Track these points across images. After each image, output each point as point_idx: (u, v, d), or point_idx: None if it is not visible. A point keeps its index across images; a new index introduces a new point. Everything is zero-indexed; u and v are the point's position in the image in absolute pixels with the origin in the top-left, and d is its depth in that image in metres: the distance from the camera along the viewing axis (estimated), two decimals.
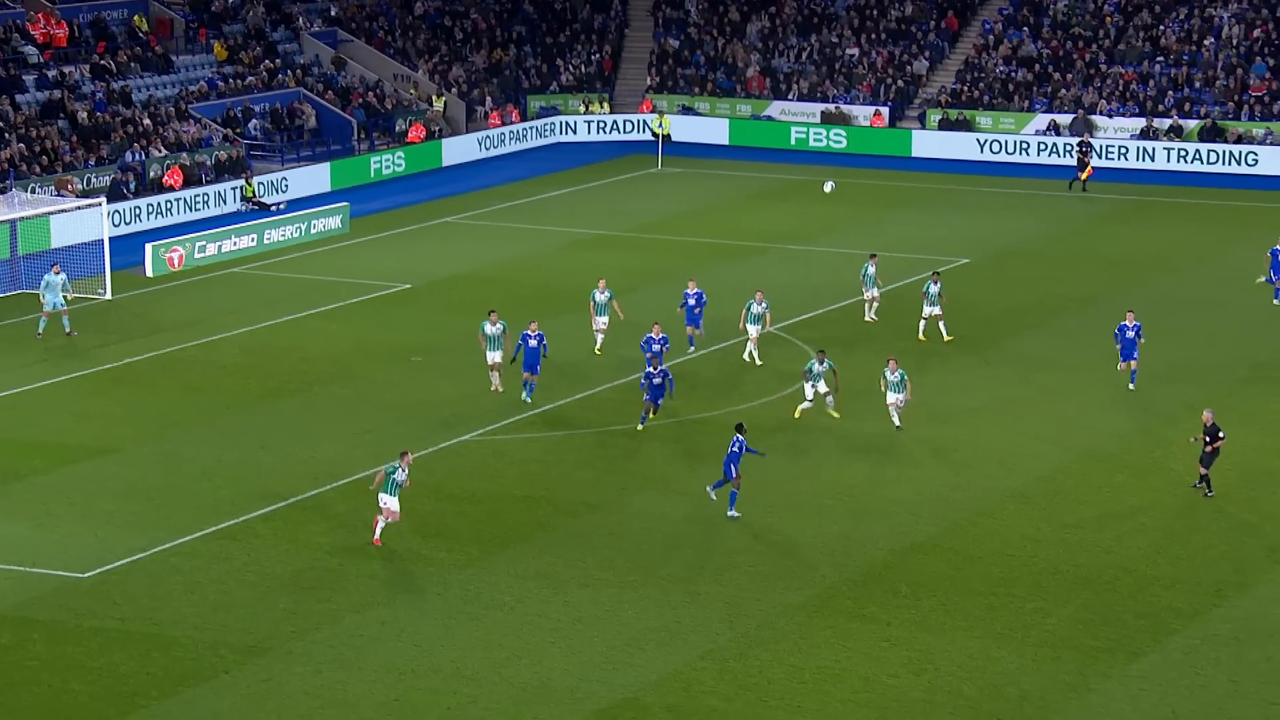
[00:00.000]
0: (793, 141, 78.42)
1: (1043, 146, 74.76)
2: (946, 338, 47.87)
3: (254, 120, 73.00)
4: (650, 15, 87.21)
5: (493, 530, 36.05)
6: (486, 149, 77.82)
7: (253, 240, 61.05)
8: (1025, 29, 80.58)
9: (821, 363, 41.15)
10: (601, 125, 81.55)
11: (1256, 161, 71.94)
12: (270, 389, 45.53)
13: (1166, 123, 74.50)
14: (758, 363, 46.13)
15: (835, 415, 41.48)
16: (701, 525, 36.13)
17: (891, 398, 40.99)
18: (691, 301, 46.92)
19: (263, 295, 55.06)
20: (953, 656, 30.31)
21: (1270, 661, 30.01)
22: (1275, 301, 51.84)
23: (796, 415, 41.44)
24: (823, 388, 41.21)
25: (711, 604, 32.53)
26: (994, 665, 30.00)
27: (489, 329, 43.52)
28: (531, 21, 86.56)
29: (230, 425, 42.64)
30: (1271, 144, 72.46)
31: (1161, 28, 78.59)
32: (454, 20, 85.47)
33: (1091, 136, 72.76)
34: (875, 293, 49.98)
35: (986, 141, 75.71)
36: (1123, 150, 73.61)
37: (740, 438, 36.25)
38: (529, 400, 43.23)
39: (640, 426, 41.42)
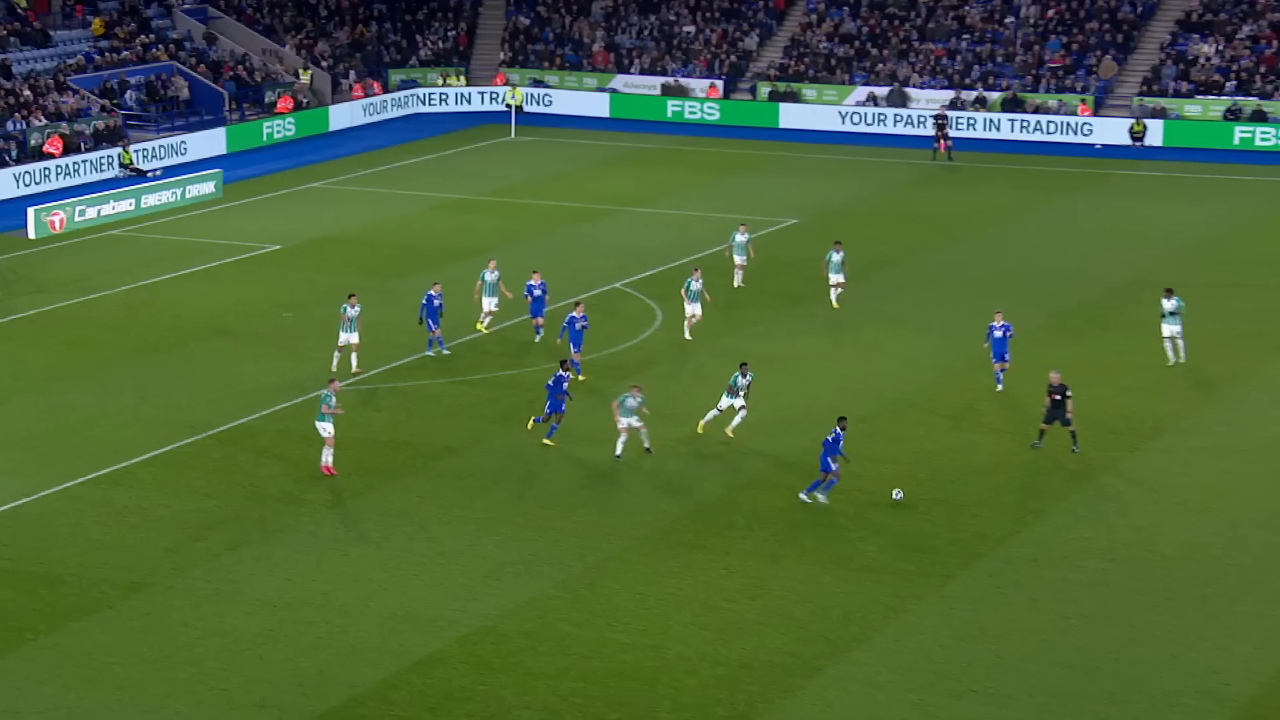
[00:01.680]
0: (669, 114, 77.81)
1: (881, 117, 75.29)
2: (835, 305, 46.79)
3: (130, 91, 71.74)
4: None
5: (361, 473, 35.81)
6: (370, 114, 77.42)
7: (131, 204, 59.96)
8: (845, 8, 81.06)
9: (745, 375, 37.12)
10: (458, 97, 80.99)
11: (1054, 129, 72.99)
12: (149, 344, 44.83)
13: (972, 94, 75.35)
14: (687, 337, 43.93)
15: (731, 435, 37.26)
16: (553, 466, 36.12)
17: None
18: (538, 292, 43.64)
19: (141, 256, 54.17)
20: (784, 582, 30.59)
21: (1064, 580, 30.60)
22: None
23: (700, 429, 37.44)
24: (739, 402, 37.02)
25: (563, 538, 32.57)
26: (821, 589, 30.31)
27: (350, 311, 40.97)
28: (391, 0, 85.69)
29: (111, 378, 41.95)
30: (1065, 114, 73.56)
31: (967, 8, 79.41)
32: None
33: (945, 110, 72.87)
34: (742, 260, 48.63)
35: (847, 113, 75.84)
36: (881, 118, 74.37)
37: (839, 431, 33.94)
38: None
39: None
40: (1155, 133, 71.30)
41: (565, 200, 62.32)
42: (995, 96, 74.91)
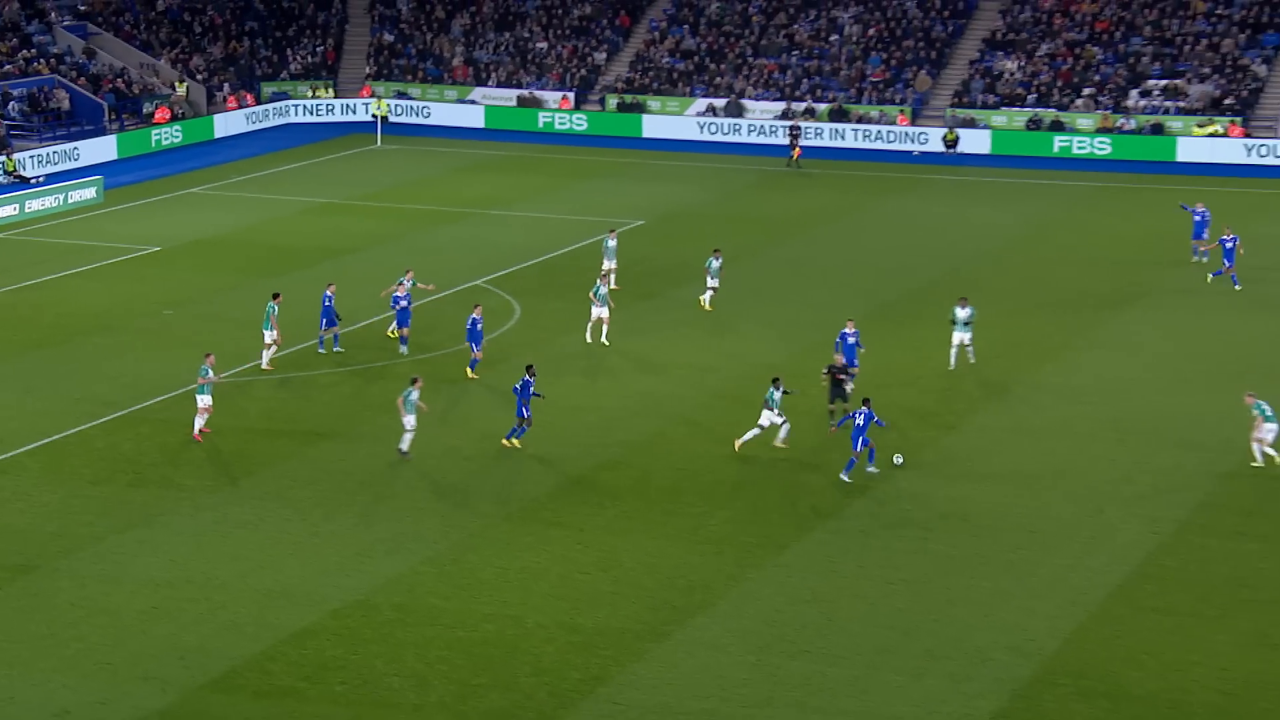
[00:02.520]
0: (540, 124, 77.34)
1: (714, 127, 75.64)
2: (708, 308, 46.31)
3: (12, 103, 70.09)
4: (367, 13, 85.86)
5: (239, 459, 35.35)
6: (254, 122, 76.70)
7: (14, 209, 58.59)
8: (685, 26, 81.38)
9: (778, 390, 35.51)
10: (327, 108, 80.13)
11: (878, 137, 73.85)
12: (34, 340, 43.86)
13: (802, 105, 76.03)
14: (605, 343, 42.74)
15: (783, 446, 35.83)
16: (419, 449, 35.89)
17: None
18: (404, 303, 41.95)
19: (25, 258, 52.94)
20: (635, 555, 30.68)
21: (888, 549, 30.99)
22: (1236, 288, 47.92)
23: (737, 448, 35.58)
24: (778, 417, 35.47)
25: (430, 517, 32.40)
26: (669, 561, 30.44)
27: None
28: (262, 17, 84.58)
29: None
30: (885, 123, 74.47)
31: (796, 26, 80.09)
32: (193, 15, 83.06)
33: (798, 120, 73.31)
34: (613, 264, 47.64)
35: (756, 127, 76.08)
36: (736, 127, 74.87)
37: (867, 410, 33.76)
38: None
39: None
40: (972, 140, 72.23)
41: (429, 204, 61.93)
42: (823, 108, 75.65)
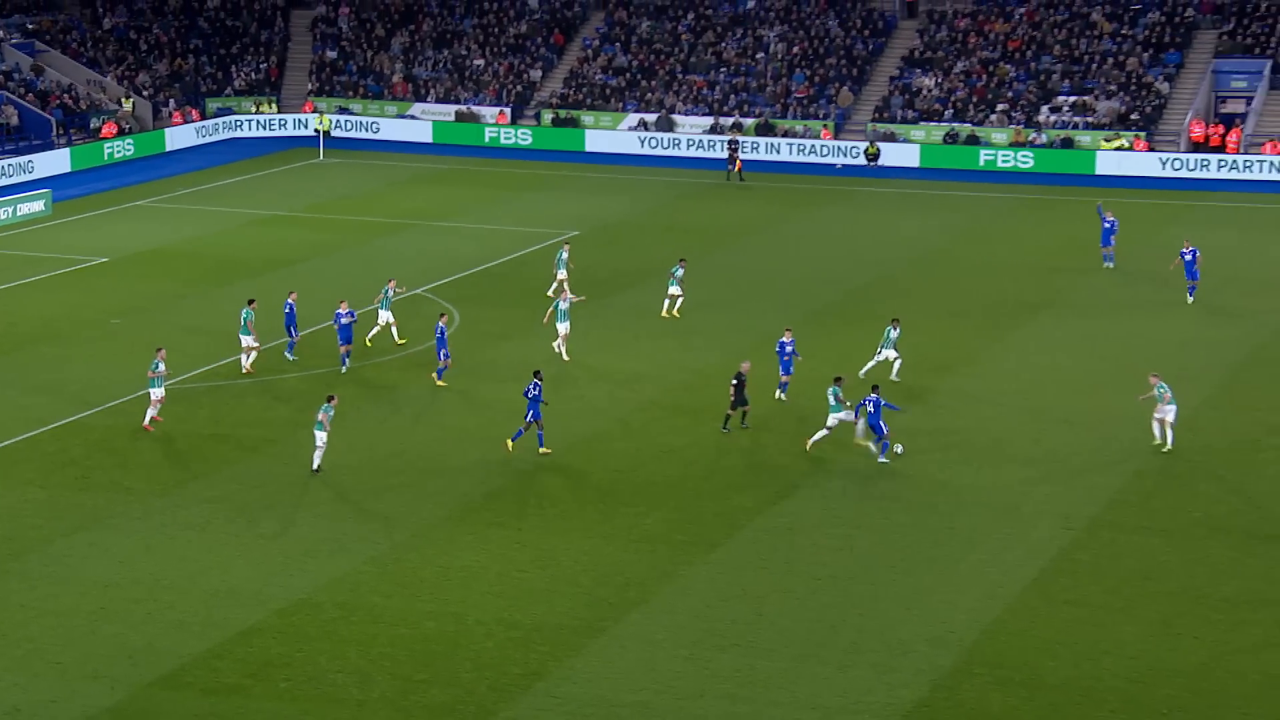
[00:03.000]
0: (486, 139, 76.65)
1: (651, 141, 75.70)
2: (675, 314, 46.02)
3: None
4: (309, 31, 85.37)
5: (186, 463, 35.01)
6: (204, 136, 76.36)
7: None
8: (618, 44, 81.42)
9: (839, 386, 35.51)
10: (271, 123, 79.57)
11: (804, 150, 74.12)
12: None
13: (730, 121, 76.21)
14: (565, 359, 41.88)
15: (863, 444, 35.67)
16: (363, 454, 35.69)
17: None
18: (345, 320, 40.69)
19: None
20: (571, 554, 30.61)
21: (815, 546, 31.07)
22: (1189, 299, 47.42)
23: (808, 448, 35.58)
24: (846, 415, 35.38)
25: (373, 518, 32.20)
26: (604, 559, 30.40)
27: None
28: (207, 35, 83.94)
29: None
30: (809, 138, 74.76)
31: (723, 45, 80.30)
32: (139, 33, 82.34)
33: (738, 135, 73.37)
34: (564, 274, 47.36)
35: (694, 141, 76.06)
36: (676, 142, 74.98)
37: (875, 397, 34.37)
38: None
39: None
40: (900, 153, 72.52)
41: (371, 215, 61.60)
42: (750, 122, 75.86)
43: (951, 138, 73.28)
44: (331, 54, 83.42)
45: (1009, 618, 27.97)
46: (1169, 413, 35.57)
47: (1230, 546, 30.95)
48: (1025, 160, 70.79)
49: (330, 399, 34.50)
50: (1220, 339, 44.53)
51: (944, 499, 33.43)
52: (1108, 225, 52.44)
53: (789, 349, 38.67)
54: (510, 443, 35.51)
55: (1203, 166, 68.78)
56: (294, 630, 27.34)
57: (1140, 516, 32.48)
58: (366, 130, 78.48)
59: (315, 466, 34.22)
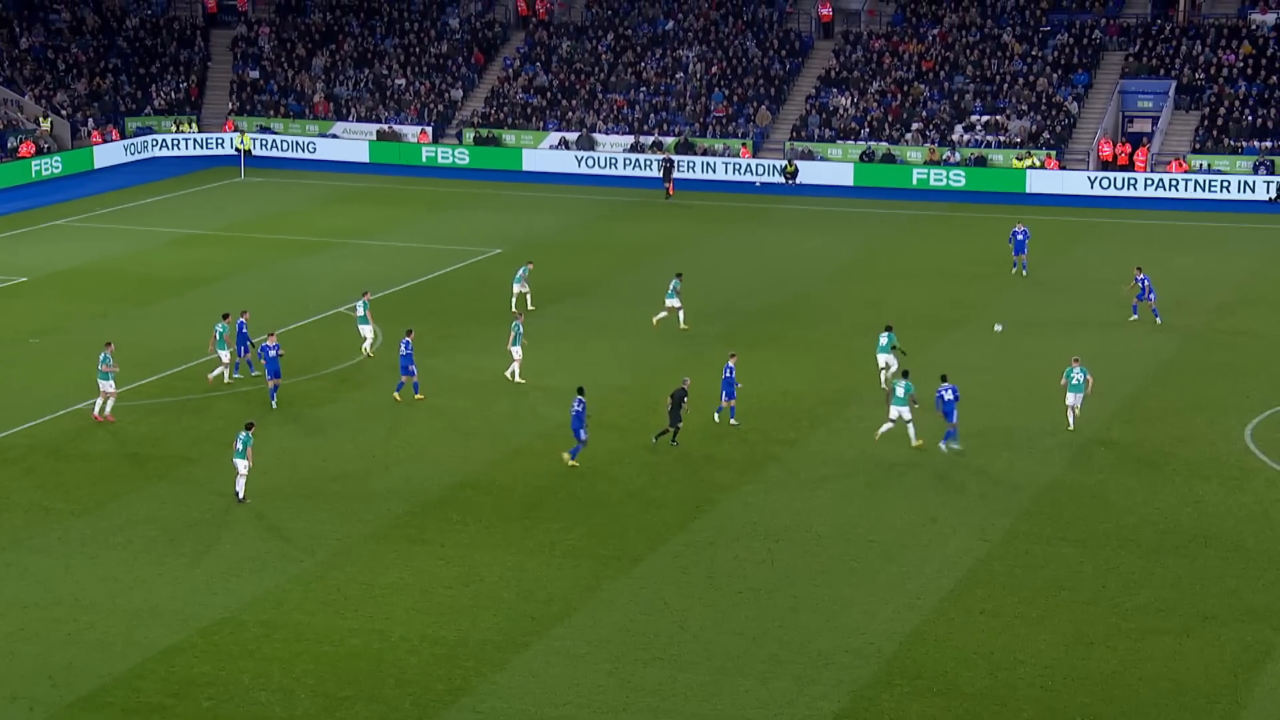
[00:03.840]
0: (423, 159, 76.34)
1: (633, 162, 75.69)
2: (685, 326, 46.63)
3: None
4: (230, 50, 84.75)
5: (106, 483, 34.57)
6: (132, 154, 76.03)
7: None
8: (539, 64, 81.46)
9: (904, 377, 36.80)
10: (191, 142, 78.88)
11: (717, 169, 74.45)
12: None
13: (650, 139, 76.43)
14: (519, 381, 41.57)
15: (917, 443, 36.68)
16: (286, 472, 35.41)
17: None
18: (273, 353, 39.20)
19: None
20: (494, 569, 30.53)
21: (737, 559, 31.18)
22: (1158, 320, 47.56)
23: (877, 439, 36.82)
24: (907, 413, 36.36)
25: (296, 536, 31.95)
26: (527, 574, 30.33)
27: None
28: (125, 54, 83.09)
29: None
30: (729, 155, 75.12)
31: (643, 64, 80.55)
32: (56, 53, 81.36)
33: (669, 154, 73.47)
34: (523, 289, 48.03)
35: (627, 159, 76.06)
36: (612, 160, 75.15)
37: (950, 385, 36.11)
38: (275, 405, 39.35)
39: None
40: (830, 172, 72.78)
41: (292, 234, 61.19)
42: (670, 141, 76.11)
43: (868, 156, 73.89)
44: (253, 73, 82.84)
45: (927, 628, 28.19)
46: (1074, 399, 37.80)
47: (1141, 556, 31.37)
48: (957, 179, 71.35)
49: (249, 426, 33.76)
50: (1129, 351, 45.16)
51: (863, 512, 33.64)
52: (1020, 236, 53.76)
53: (728, 374, 38.18)
54: (570, 459, 35.59)
55: (1130, 185, 69.74)
56: (217, 649, 27.07)
57: (1054, 527, 32.85)
58: (302, 150, 77.80)
59: (240, 496, 33.48)
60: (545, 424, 38.83)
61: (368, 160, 77.42)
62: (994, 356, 45.06)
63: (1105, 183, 70.18)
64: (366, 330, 43.54)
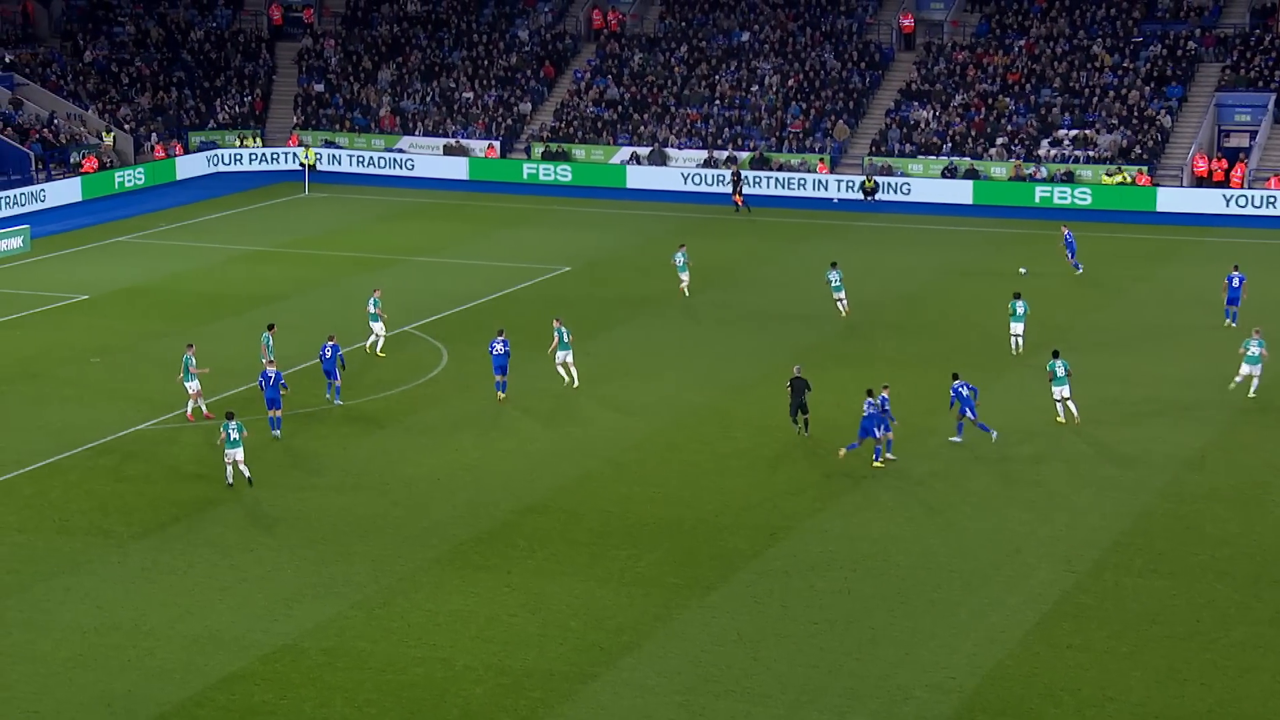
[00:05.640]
0: (525, 175, 76.49)
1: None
2: (846, 313, 49.98)
3: None
4: (295, 64, 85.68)
5: (167, 506, 34.95)
6: (214, 165, 77.84)
7: None
8: (609, 77, 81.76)
9: (1057, 357, 39.90)
10: (255, 157, 79.78)
11: (800, 185, 74.35)
12: None
13: (724, 154, 76.47)
14: (575, 384, 42.62)
15: (1077, 418, 39.61)
16: (349, 495, 35.67)
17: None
18: (329, 354, 41.21)
19: None
20: (562, 597, 30.57)
21: (812, 589, 31.05)
22: (1232, 325, 48.73)
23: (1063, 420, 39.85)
24: (1065, 392, 39.59)
25: (360, 562, 32.15)
26: (596, 603, 30.35)
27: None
28: (190, 68, 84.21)
29: None
30: (805, 171, 75.03)
31: (717, 77, 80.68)
32: (120, 66, 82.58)
33: (737, 167, 73.63)
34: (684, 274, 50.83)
35: (689, 175, 76.33)
36: (695, 177, 75.19)
37: (963, 382, 38.17)
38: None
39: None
40: (960, 190, 72.08)
41: (357, 250, 61.70)
42: (745, 156, 76.13)
43: (950, 172, 73.55)
44: (318, 87, 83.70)
45: (1011, 663, 27.94)
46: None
47: (1237, 590, 30.95)
48: (1083, 197, 70.45)
49: (230, 415, 35.59)
50: (1228, 377, 44.59)
51: (943, 541, 33.41)
52: (1069, 237, 56.53)
53: (885, 406, 37.68)
54: (883, 457, 37.25)
55: (1270, 204, 68.60)
56: (278, 677, 27.27)
57: (1145, 559, 32.48)
58: (401, 167, 77.90)
59: (247, 476, 35.65)
60: (613, 448, 38.89)
61: (467, 177, 77.43)
62: (1079, 379, 44.64)
63: (1242, 201, 69.02)
64: (377, 327, 44.81)
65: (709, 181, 74.56)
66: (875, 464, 37.16)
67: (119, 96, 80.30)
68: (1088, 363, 46.36)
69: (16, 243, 60.76)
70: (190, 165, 77.11)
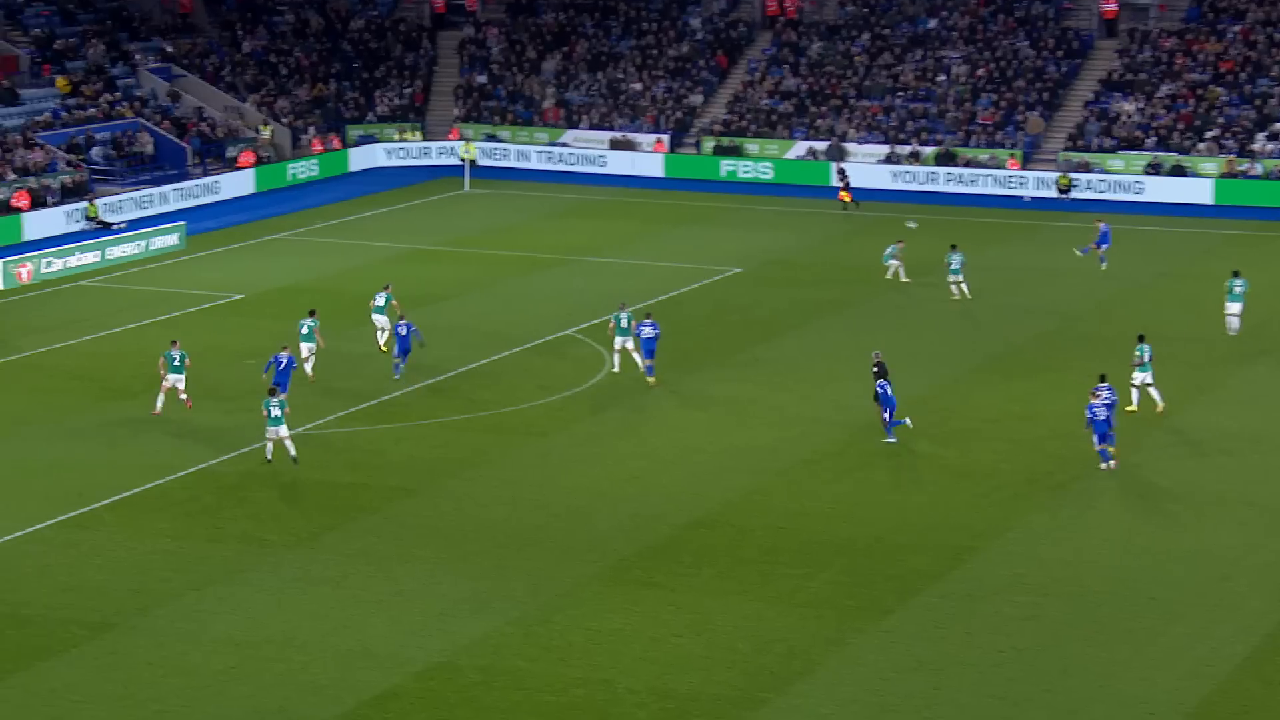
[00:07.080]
0: (723, 173, 76.59)
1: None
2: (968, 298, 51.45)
3: (96, 147, 71.45)
4: (457, 53, 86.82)
5: (320, 514, 35.60)
6: (391, 158, 79.87)
7: (97, 256, 59.66)
8: (786, 67, 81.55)
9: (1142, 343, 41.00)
10: (415, 151, 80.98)
11: (978, 182, 73.37)
12: (114, 391, 44.50)
13: (907, 149, 75.82)
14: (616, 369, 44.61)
15: (1160, 406, 40.88)
16: (507, 506, 36.01)
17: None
18: (403, 331, 44.07)
19: (106, 306, 53.84)
20: (729, 618, 30.52)
21: (998, 614, 30.63)
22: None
23: (1155, 409, 40.87)
24: (1148, 378, 40.77)
25: (517, 576, 32.43)
26: (765, 624, 30.26)
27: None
28: (349, 59, 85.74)
29: (77, 424, 41.63)
30: (994, 167, 74.08)
31: (901, 67, 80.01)
32: (279, 58, 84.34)
33: (843, 162, 73.61)
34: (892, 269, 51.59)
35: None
36: (873, 173, 74.68)
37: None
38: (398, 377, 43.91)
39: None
40: (1190, 189, 70.37)
41: (520, 250, 62.29)
42: (929, 151, 75.40)
43: (1154, 168, 72.07)
44: (480, 78, 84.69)
45: (1219, 699, 27.27)
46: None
47: None
48: None
49: (273, 391, 38.27)
50: None
51: (1144, 566, 32.75)
52: (1104, 228, 57.14)
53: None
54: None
55: None
56: (433, 695, 27.61)
57: None
58: (593, 165, 78.26)
59: (292, 454, 37.90)
60: (784, 460, 38.75)
61: (663, 175, 77.52)
62: None
63: None
64: (380, 320, 46.35)
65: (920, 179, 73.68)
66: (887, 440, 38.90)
67: (277, 89, 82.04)
68: None
69: (173, 240, 62.43)
70: (362, 158, 78.99)
